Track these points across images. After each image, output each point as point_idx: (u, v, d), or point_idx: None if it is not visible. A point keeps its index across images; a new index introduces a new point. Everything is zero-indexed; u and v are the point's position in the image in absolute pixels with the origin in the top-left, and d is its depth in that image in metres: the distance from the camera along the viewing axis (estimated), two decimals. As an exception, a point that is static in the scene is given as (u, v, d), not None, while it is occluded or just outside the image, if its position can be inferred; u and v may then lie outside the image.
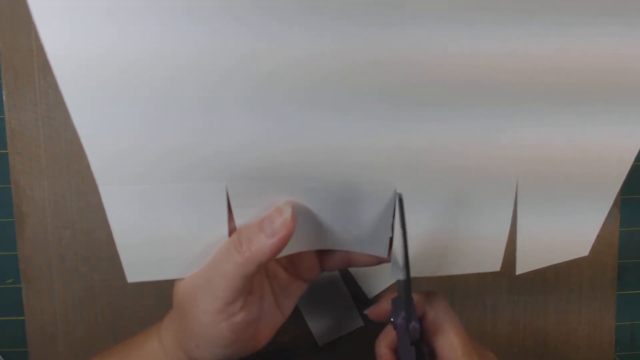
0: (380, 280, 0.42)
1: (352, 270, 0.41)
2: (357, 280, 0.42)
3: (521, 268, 0.27)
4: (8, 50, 0.38)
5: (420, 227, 0.25)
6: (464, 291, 0.43)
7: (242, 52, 0.19)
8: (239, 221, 0.24)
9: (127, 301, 0.41)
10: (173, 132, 0.21)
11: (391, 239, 0.26)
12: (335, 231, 0.25)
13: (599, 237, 0.44)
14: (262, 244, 0.22)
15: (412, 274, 0.24)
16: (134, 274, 0.25)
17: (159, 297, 0.41)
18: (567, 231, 0.27)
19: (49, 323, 0.41)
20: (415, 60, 0.20)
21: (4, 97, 0.39)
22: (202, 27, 0.19)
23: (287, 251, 0.25)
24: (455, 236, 0.25)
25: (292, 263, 0.28)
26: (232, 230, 0.24)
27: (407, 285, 0.24)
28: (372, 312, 0.28)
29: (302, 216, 0.24)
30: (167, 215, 0.23)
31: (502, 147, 0.23)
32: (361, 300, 0.42)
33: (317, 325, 0.42)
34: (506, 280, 0.43)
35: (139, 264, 0.24)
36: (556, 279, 0.44)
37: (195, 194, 0.23)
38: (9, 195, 0.40)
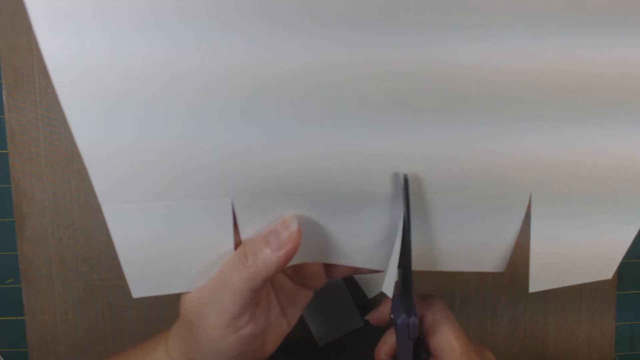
0: (380, 280, 0.42)
1: (352, 270, 0.42)
2: (357, 280, 0.42)
3: (535, 286, 0.26)
4: (8, 50, 0.38)
5: (425, 223, 0.25)
6: (464, 291, 0.43)
7: (261, 72, 0.19)
8: (244, 234, 0.24)
9: (127, 301, 0.41)
10: (177, 151, 0.21)
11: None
12: (341, 244, 0.25)
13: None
14: (268, 258, 0.22)
15: (414, 267, 0.24)
16: (139, 290, 0.25)
17: (159, 297, 0.41)
18: (588, 250, 0.26)
19: (49, 323, 0.41)
20: (426, 69, 0.20)
21: (4, 97, 0.39)
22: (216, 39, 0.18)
23: (292, 262, 0.25)
24: (460, 236, 0.25)
25: (297, 273, 0.28)
26: (237, 243, 0.24)
27: (407, 277, 0.23)
28: (373, 316, 0.28)
29: (308, 228, 0.24)
30: (172, 231, 0.23)
31: (516, 158, 0.22)
32: (361, 300, 0.42)
33: (317, 325, 0.42)
34: (506, 280, 0.43)
35: (144, 280, 0.24)
36: (556, 279, 0.44)
37: (200, 210, 0.23)
38: (9, 195, 0.40)
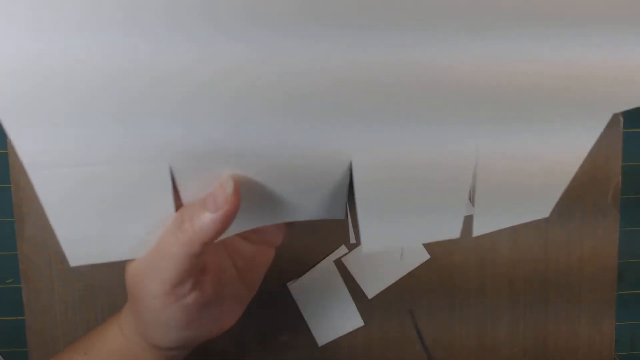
0: (381, 280, 0.42)
1: (352, 270, 0.42)
2: (357, 280, 0.42)
3: (478, 231, 0.27)
4: (8, 50, 0.38)
5: (375, 202, 0.24)
6: (464, 291, 0.43)
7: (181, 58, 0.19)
8: (186, 199, 0.23)
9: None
10: (108, 123, 0.20)
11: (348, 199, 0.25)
12: (290, 203, 0.25)
13: (599, 237, 0.44)
14: (206, 221, 0.21)
15: (366, 248, 0.24)
16: (76, 258, 0.23)
17: (159, 297, 0.41)
18: (529, 186, 0.27)
19: (49, 323, 0.41)
20: (370, 64, 0.20)
21: (4, 97, 0.39)
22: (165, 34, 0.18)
23: (239, 229, 0.24)
24: (410, 209, 0.25)
25: (255, 231, 0.27)
26: (179, 209, 0.23)
27: None
28: None
29: (252, 191, 0.23)
30: (108, 197, 0.22)
31: (458, 144, 0.23)
32: (361, 300, 0.42)
33: (317, 325, 0.42)
34: (506, 281, 0.43)
35: (81, 248, 0.23)
36: (556, 278, 0.44)
37: (135, 174, 0.21)
38: (9, 195, 0.40)
